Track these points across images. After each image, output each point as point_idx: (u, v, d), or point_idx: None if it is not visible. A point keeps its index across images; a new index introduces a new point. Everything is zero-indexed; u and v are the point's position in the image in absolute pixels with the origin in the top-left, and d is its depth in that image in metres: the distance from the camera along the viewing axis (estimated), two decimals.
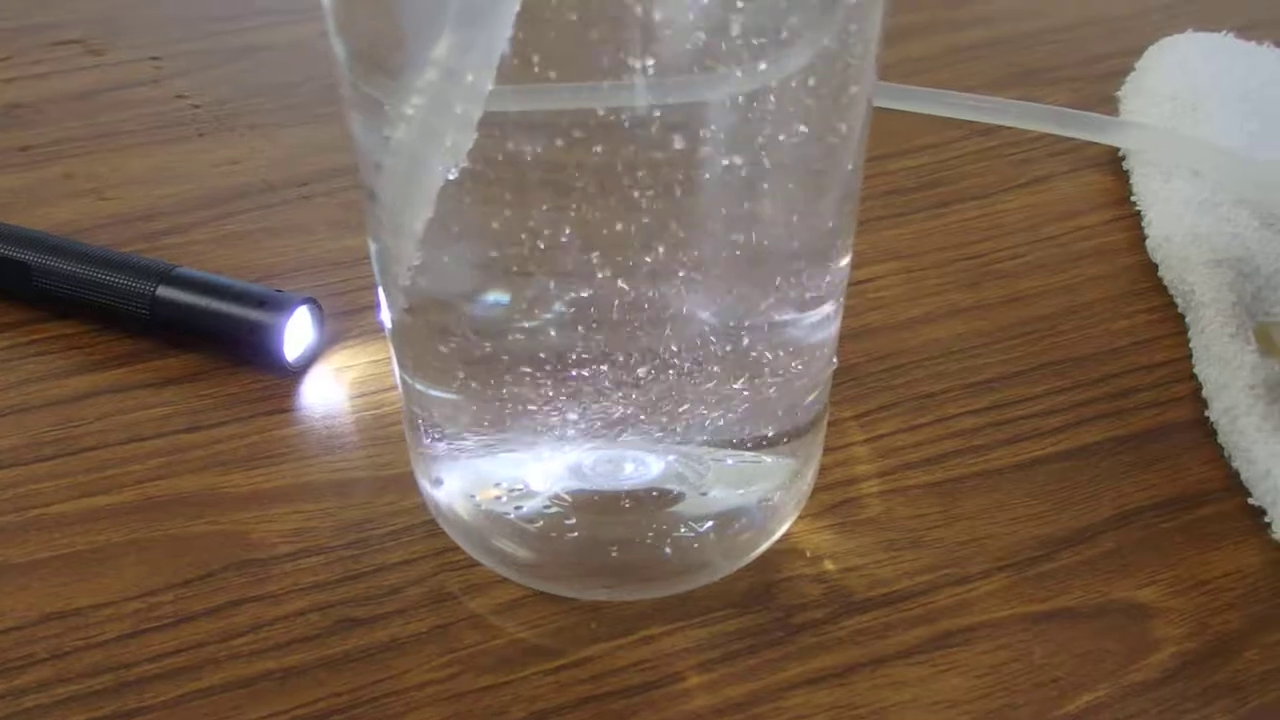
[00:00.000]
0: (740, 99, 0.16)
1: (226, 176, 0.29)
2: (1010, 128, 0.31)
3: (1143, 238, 0.28)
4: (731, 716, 0.18)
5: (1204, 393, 0.23)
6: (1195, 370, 0.24)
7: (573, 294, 0.17)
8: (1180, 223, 0.27)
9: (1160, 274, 0.26)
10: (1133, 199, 0.29)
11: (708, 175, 0.16)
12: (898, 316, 0.26)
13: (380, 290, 0.19)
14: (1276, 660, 0.19)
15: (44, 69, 0.34)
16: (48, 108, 0.32)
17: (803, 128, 0.17)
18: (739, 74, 0.15)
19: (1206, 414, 0.23)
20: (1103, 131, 0.30)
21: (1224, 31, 0.32)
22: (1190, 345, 0.24)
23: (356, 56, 0.17)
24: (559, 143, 0.15)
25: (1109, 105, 0.32)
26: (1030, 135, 0.31)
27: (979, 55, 0.36)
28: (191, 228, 0.28)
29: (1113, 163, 0.30)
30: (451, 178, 0.16)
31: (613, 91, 0.15)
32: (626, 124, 0.15)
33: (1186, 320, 0.25)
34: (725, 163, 0.16)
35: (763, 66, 0.15)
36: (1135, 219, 0.28)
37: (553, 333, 0.17)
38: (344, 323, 0.25)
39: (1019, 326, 0.25)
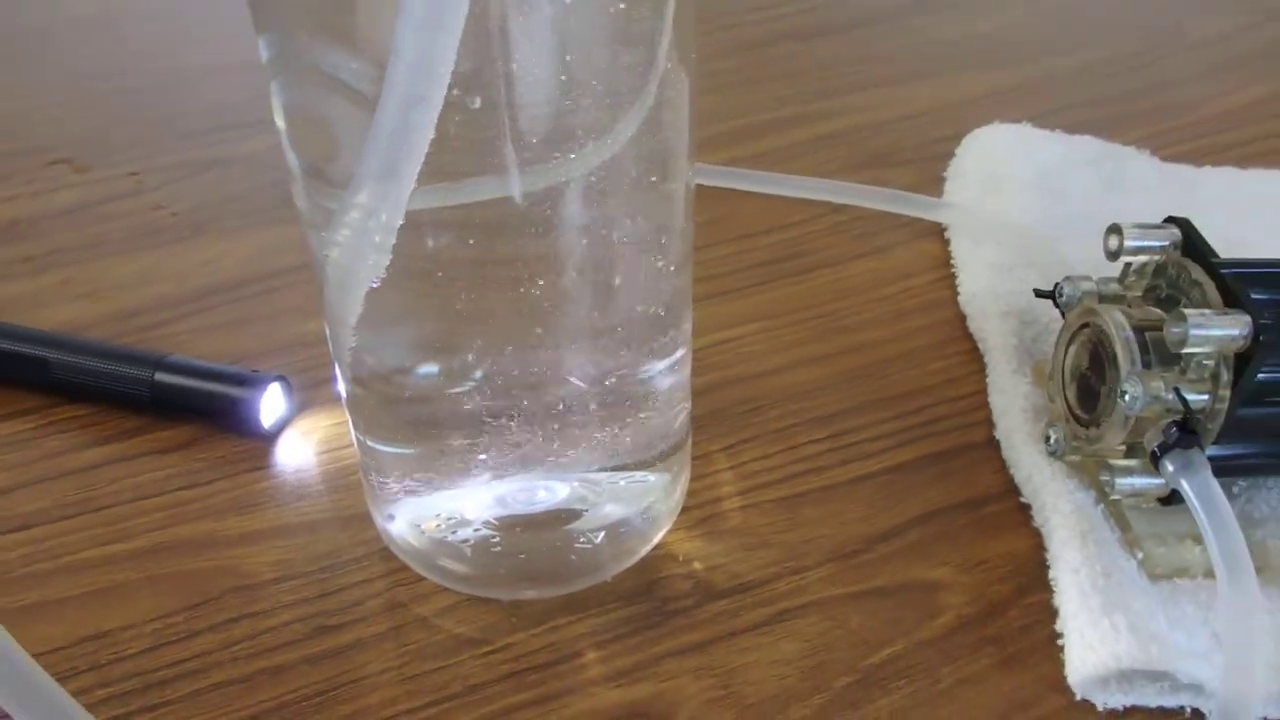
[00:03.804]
0: (580, 193, 0.21)
1: (203, 275, 0.35)
2: (858, 206, 0.38)
3: (956, 295, 0.34)
4: (618, 681, 0.23)
5: (993, 417, 0.29)
6: (989, 399, 0.30)
7: (484, 363, 0.23)
8: (982, 282, 0.33)
9: (968, 324, 0.33)
10: (951, 263, 0.35)
11: (566, 259, 0.21)
12: (759, 367, 0.32)
13: (335, 367, 0.24)
14: (1032, 617, 0.25)
15: (37, 188, 0.39)
16: (43, 222, 0.37)
17: (635, 212, 0.22)
18: (574, 156, 0.20)
19: (994, 434, 0.29)
20: (926, 210, 0.36)
21: (1023, 122, 0.40)
22: (986, 380, 0.31)
23: (305, 169, 0.22)
24: (452, 240, 0.21)
25: (940, 184, 0.39)
26: (874, 212, 0.38)
27: (838, 143, 0.42)
28: (175, 320, 0.33)
29: (938, 233, 0.37)
30: (375, 285, 0.21)
31: (489, 183, 0.20)
32: (497, 221, 0.20)
33: (985, 360, 0.31)
34: (578, 247, 0.21)
35: (591, 150, 0.21)
36: (952, 279, 0.35)
37: (472, 395, 0.23)
38: (309, 394, 0.30)
39: (856, 370, 0.32)
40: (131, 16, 0.51)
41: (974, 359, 0.32)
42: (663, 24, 0.21)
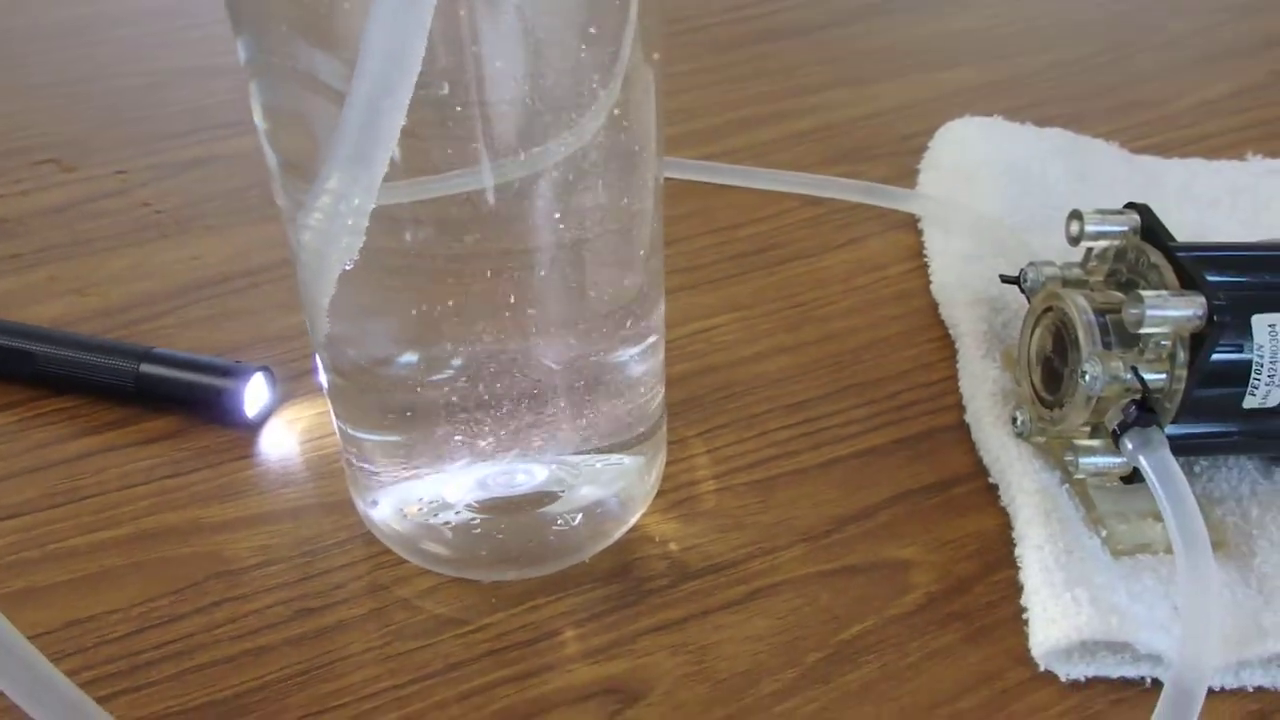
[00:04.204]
0: (549, 185, 0.21)
1: (188, 271, 0.35)
2: (833, 199, 0.39)
3: (929, 284, 0.35)
4: (595, 658, 0.24)
5: (963, 401, 0.30)
6: (959, 384, 0.31)
7: (461, 352, 0.23)
8: (953, 272, 0.34)
9: (940, 312, 0.34)
10: (923, 253, 0.36)
11: (536, 251, 0.22)
12: (735, 355, 0.32)
13: (317, 358, 0.25)
14: (998, 594, 0.25)
15: (25, 186, 0.39)
16: (31, 220, 0.38)
17: (604, 202, 0.22)
18: (541, 150, 0.21)
19: (964, 417, 0.30)
20: (898, 201, 0.37)
21: (995, 115, 0.40)
22: (957, 365, 0.31)
23: (284, 166, 0.23)
24: (427, 233, 0.21)
25: (913, 176, 0.40)
26: (849, 204, 0.38)
27: (813, 139, 0.43)
28: (161, 315, 0.34)
29: (911, 224, 0.38)
30: (348, 267, 0.22)
31: (461, 177, 0.21)
32: (469, 214, 0.21)
33: (955, 346, 0.32)
34: (548, 239, 0.22)
35: (562, 143, 0.21)
36: (924, 269, 0.35)
37: (450, 383, 0.24)
38: (292, 385, 0.31)
39: (830, 358, 0.32)
40: (111, 21, 0.51)
41: (945, 346, 0.33)
42: (627, 18, 0.21)
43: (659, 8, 0.22)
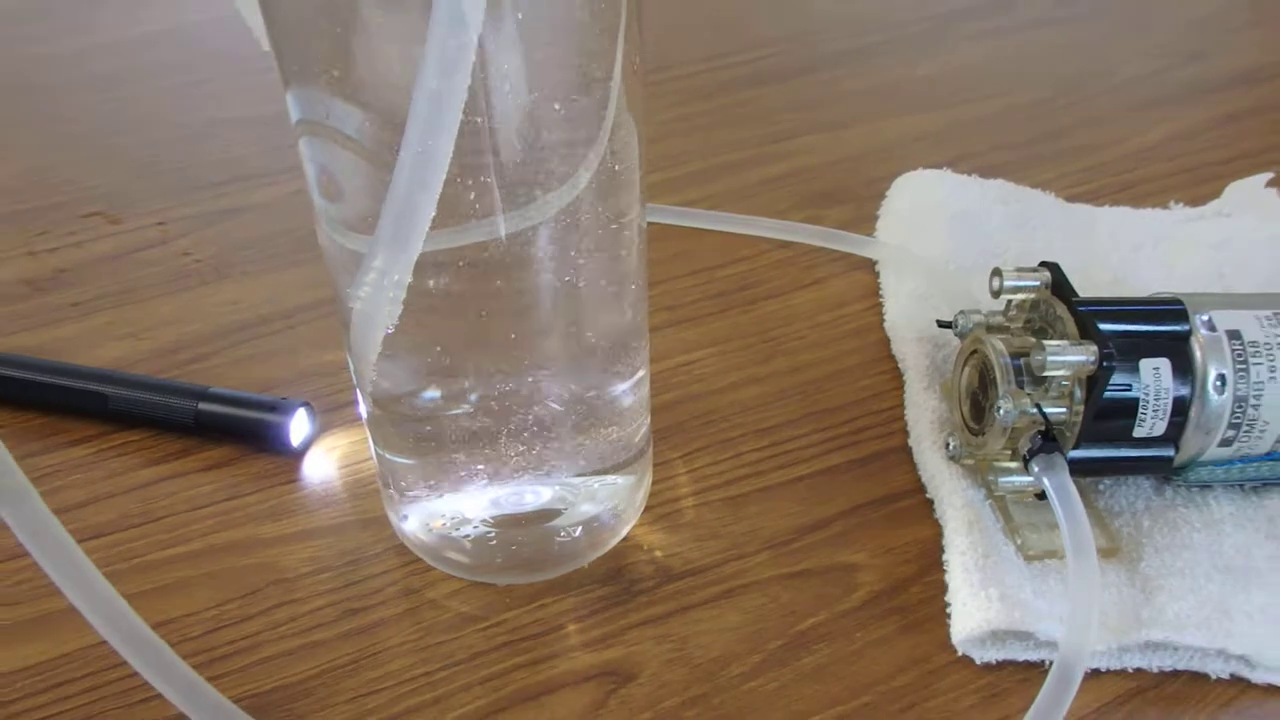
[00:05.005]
0: (551, 233, 0.24)
1: (229, 314, 0.40)
2: (800, 242, 0.44)
3: (883, 321, 0.40)
4: (593, 647, 0.29)
5: (907, 427, 0.35)
6: (905, 412, 0.36)
7: (477, 388, 0.28)
8: (904, 311, 0.39)
9: (891, 347, 0.38)
10: (880, 293, 0.41)
11: (543, 295, 0.26)
12: (713, 386, 0.37)
13: (358, 392, 0.30)
14: (929, 592, 0.30)
15: (78, 238, 0.44)
16: (85, 270, 0.42)
17: (596, 246, 0.26)
18: (545, 200, 0.25)
19: (908, 441, 0.35)
20: (857, 246, 0.42)
21: (953, 158, 0.45)
22: (903, 396, 0.36)
23: (327, 210, 0.27)
24: (448, 279, 0.25)
25: (874, 220, 0.45)
26: (814, 247, 0.43)
27: (784, 183, 0.48)
28: (209, 355, 0.38)
29: (869, 265, 0.42)
30: (390, 330, 0.26)
31: (478, 227, 0.25)
32: (486, 262, 0.25)
33: (903, 379, 0.37)
34: (552, 282, 0.26)
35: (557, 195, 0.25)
36: (880, 307, 0.40)
37: (469, 416, 0.28)
38: (328, 416, 0.35)
39: (795, 388, 0.37)
40: (143, 74, 0.56)
41: (894, 377, 0.37)
42: (613, 81, 0.25)
43: (641, 67, 0.25)
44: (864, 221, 0.45)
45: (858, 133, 0.51)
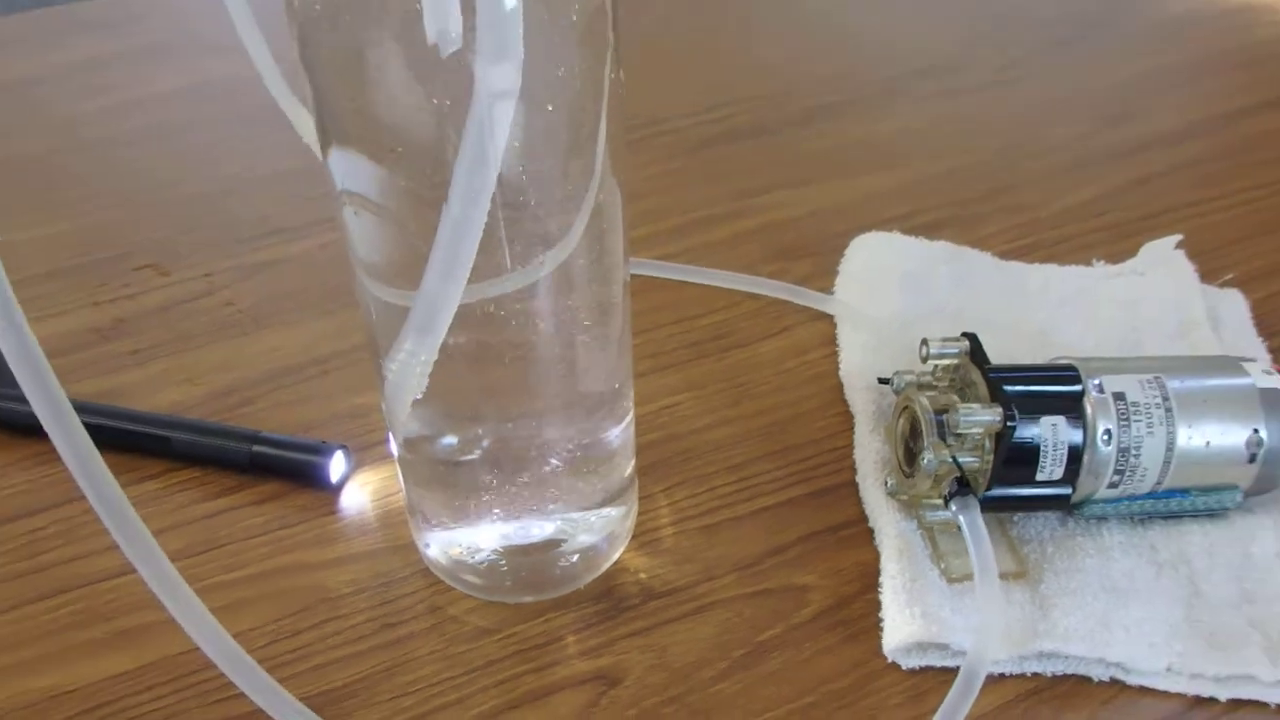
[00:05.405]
0: (549, 289, 0.29)
1: (270, 361, 0.46)
2: (769, 296, 0.50)
3: (839, 369, 0.46)
4: (588, 655, 0.35)
5: (855, 465, 0.41)
6: (854, 453, 0.42)
7: (488, 435, 0.34)
8: (855, 360, 0.45)
9: (844, 393, 0.44)
10: (837, 343, 0.47)
11: (542, 349, 0.31)
12: (690, 427, 0.43)
13: (390, 439, 0.35)
14: (868, 609, 0.36)
15: (133, 290, 0.50)
16: (141, 320, 0.48)
17: (587, 300, 0.31)
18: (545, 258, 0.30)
19: (856, 478, 0.41)
20: (815, 302, 0.48)
21: (895, 226, 0.51)
22: (854, 437, 0.42)
23: (367, 269, 0.32)
24: (463, 336, 0.31)
25: (834, 274, 0.51)
26: (781, 300, 0.49)
27: (755, 238, 0.54)
28: (255, 399, 0.44)
29: (829, 317, 0.48)
30: (418, 398, 0.32)
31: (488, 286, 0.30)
32: (491, 318, 0.30)
33: (854, 422, 0.43)
34: (550, 336, 0.31)
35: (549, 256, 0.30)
36: (836, 355, 0.46)
37: (482, 461, 0.34)
38: (361, 455, 0.41)
39: (761, 428, 0.43)
40: (180, 128, 0.62)
41: (847, 420, 0.43)
42: (599, 147, 0.29)
43: (622, 138, 0.30)
44: (826, 274, 0.51)
45: (821, 189, 0.57)
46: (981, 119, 0.63)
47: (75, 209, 0.55)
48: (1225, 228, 0.54)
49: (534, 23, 0.24)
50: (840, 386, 0.45)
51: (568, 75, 0.28)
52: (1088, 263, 0.51)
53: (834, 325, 0.48)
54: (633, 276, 0.34)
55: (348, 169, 0.29)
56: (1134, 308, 0.47)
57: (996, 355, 0.37)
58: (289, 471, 0.40)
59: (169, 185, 0.57)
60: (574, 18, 0.27)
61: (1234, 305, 0.47)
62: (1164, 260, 0.49)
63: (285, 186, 0.56)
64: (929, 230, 0.53)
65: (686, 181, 0.58)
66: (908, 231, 0.52)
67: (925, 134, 0.62)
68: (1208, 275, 0.49)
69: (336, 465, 0.40)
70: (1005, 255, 0.51)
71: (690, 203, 0.56)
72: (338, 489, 0.40)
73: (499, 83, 0.24)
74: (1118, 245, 0.52)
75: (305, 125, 0.33)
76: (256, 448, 0.40)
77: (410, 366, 0.30)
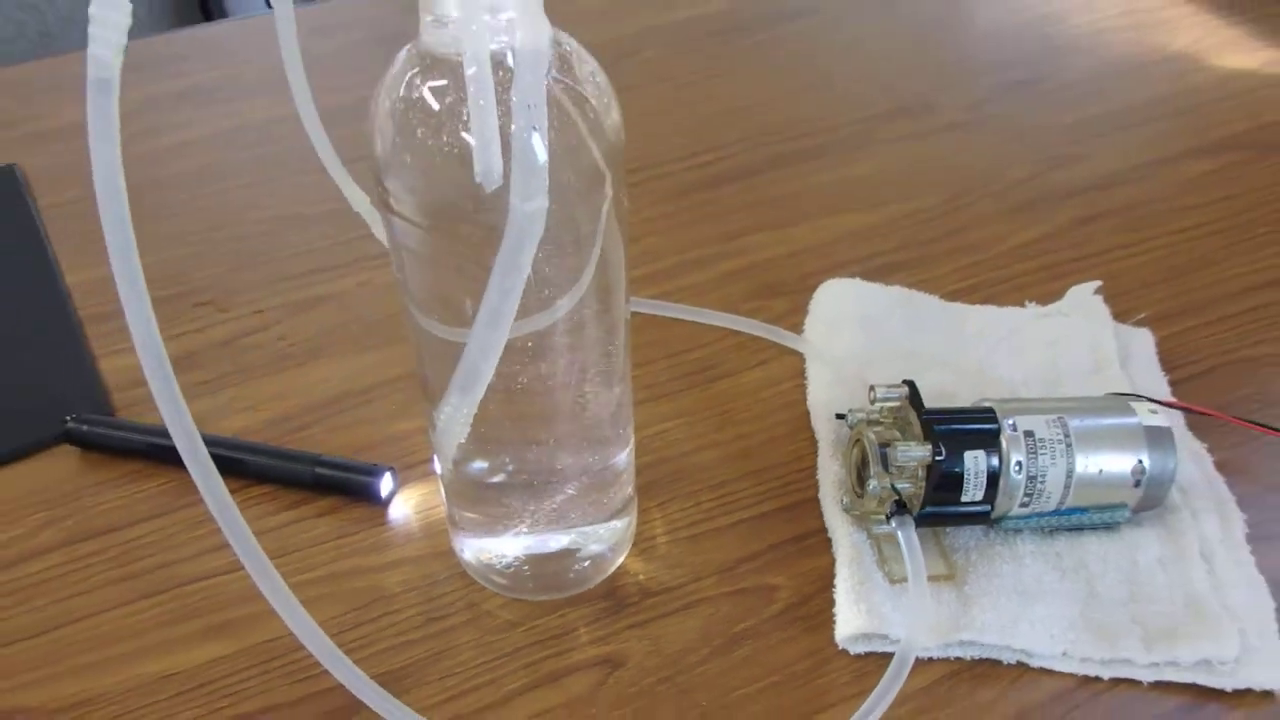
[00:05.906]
0: (563, 329, 0.36)
1: (321, 390, 0.54)
2: (747, 332, 0.57)
3: (806, 399, 0.54)
4: (596, 644, 0.43)
5: (818, 484, 0.49)
6: (817, 474, 0.50)
7: (513, 460, 0.42)
8: (820, 393, 0.53)
9: (811, 421, 0.52)
10: (805, 376, 0.55)
11: (558, 380, 0.39)
12: (680, 450, 0.51)
13: (435, 458, 0.43)
14: (826, 605, 0.44)
15: (196, 326, 0.57)
16: (206, 353, 0.56)
17: (597, 339, 0.38)
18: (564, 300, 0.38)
19: (818, 495, 0.49)
20: (787, 340, 0.56)
21: (856, 272, 0.59)
22: (817, 460, 0.50)
23: (417, 304, 0.40)
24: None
25: (805, 313, 0.59)
26: (759, 336, 0.57)
27: (739, 278, 0.61)
28: (311, 425, 0.52)
29: (799, 353, 0.56)
30: (461, 441, 0.39)
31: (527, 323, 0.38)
32: (520, 352, 0.38)
33: (818, 447, 0.51)
34: (565, 370, 0.38)
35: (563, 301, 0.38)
36: (805, 387, 0.54)
37: (507, 484, 0.42)
38: (407, 475, 0.49)
39: (740, 451, 0.51)
40: (223, 173, 0.69)
41: (813, 444, 0.51)
42: (603, 208, 0.35)
43: (625, 203, 0.37)
44: (799, 310, 0.58)
45: (796, 231, 0.65)
46: (941, 162, 0.71)
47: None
48: (1145, 270, 0.62)
49: (558, 169, 0.32)
50: (807, 414, 0.53)
51: (582, 195, 0.36)
52: (1022, 304, 0.58)
53: (803, 360, 0.56)
54: (632, 314, 0.42)
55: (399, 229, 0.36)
56: (1056, 347, 0.55)
57: (938, 391, 0.45)
58: (345, 489, 0.48)
59: (216, 227, 0.65)
60: (595, 169, 0.35)
61: (1143, 343, 0.55)
62: (1085, 304, 0.57)
63: (321, 228, 0.64)
64: (891, 270, 0.60)
65: (678, 224, 0.66)
66: (872, 271, 0.60)
67: (888, 177, 0.69)
68: (1124, 314, 0.57)
69: (386, 484, 0.48)
70: (954, 295, 0.59)
71: (681, 244, 0.64)
72: (386, 503, 0.48)
73: (530, 219, 0.32)
74: (1051, 285, 0.60)
75: (356, 196, 0.41)
76: (319, 469, 0.48)
77: (455, 418, 0.37)
